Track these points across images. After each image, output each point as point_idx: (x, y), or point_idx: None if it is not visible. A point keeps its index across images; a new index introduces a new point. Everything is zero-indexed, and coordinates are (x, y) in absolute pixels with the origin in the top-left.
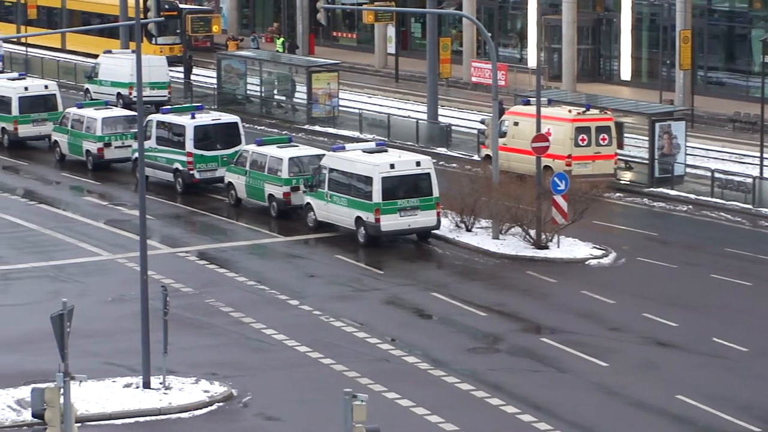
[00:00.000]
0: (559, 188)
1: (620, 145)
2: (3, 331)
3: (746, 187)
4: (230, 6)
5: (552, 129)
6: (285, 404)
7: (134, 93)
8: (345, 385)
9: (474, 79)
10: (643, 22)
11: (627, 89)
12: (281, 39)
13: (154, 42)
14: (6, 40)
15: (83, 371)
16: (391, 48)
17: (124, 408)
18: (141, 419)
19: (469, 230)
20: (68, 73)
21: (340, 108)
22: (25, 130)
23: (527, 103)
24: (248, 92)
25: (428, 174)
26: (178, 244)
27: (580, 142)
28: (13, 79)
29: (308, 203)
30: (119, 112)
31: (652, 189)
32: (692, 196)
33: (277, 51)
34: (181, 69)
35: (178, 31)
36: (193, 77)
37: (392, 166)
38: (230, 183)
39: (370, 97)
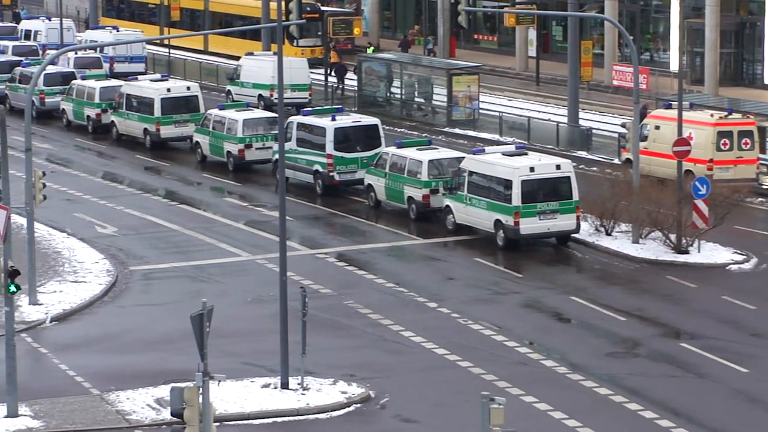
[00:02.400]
0: (700, 192)
1: (762, 150)
2: (144, 330)
3: None
4: (372, 8)
5: (693, 133)
6: (422, 406)
7: (275, 95)
8: (482, 388)
9: (615, 82)
10: None
11: None
12: (371, 48)
13: (295, 44)
14: (149, 42)
15: (222, 371)
16: (532, 51)
17: (262, 408)
18: (279, 420)
19: (608, 234)
20: (210, 75)
21: (481, 111)
22: (167, 131)
23: (669, 107)
24: (389, 95)
25: (568, 177)
26: (318, 245)
27: (722, 147)
28: (156, 81)
29: (447, 206)
30: (260, 113)
31: None
32: None
33: (369, 53)
34: (322, 71)
35: (319, 33)
36: (333, 79)
37: (532, 169)
38: (370, 185)
39: (510, 100)
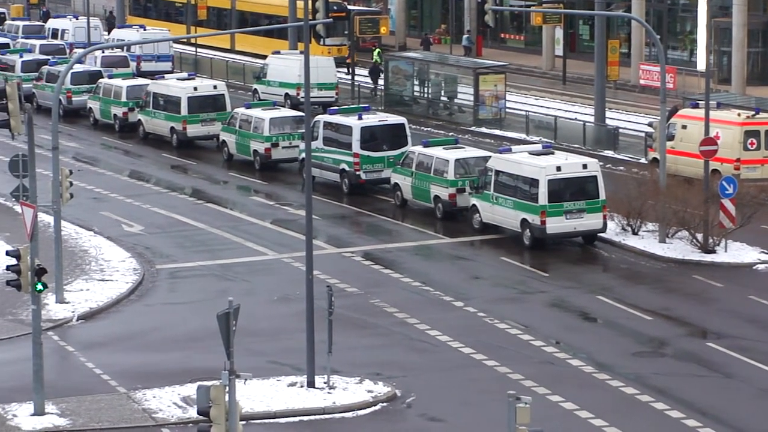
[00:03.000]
0: (727, 192)
1: None
2: (170, 328)
3: None
4: (398, 7)
5: (720, 132)
6: (448, 405)
7: (302, 94)
8: (509, 387)
9: (642, 81)
10: None
11: None
12: (377, 50)
13: (322, 43)
14: (176, 41)
15: (248, 369)
16: (559, 50)
17: (288, 407)
18: (305, 418)
19: (635, 233)
20: (237, 74)
21: (507, 110)
22: (193, 130)
23: (696, 106)
24: (415, 93)
25: (595, 177)
26: (344, 244)
27: (749, 146)
28: (183, 80)
29: (474, 205)
30: (287, 112)
31: None
32: None
33: (376, 62)
34: (348, 70)
35: (346, 32)
36: (359, 78)
37: (559, 168)
38: (396, 184)
39: (537, 99)
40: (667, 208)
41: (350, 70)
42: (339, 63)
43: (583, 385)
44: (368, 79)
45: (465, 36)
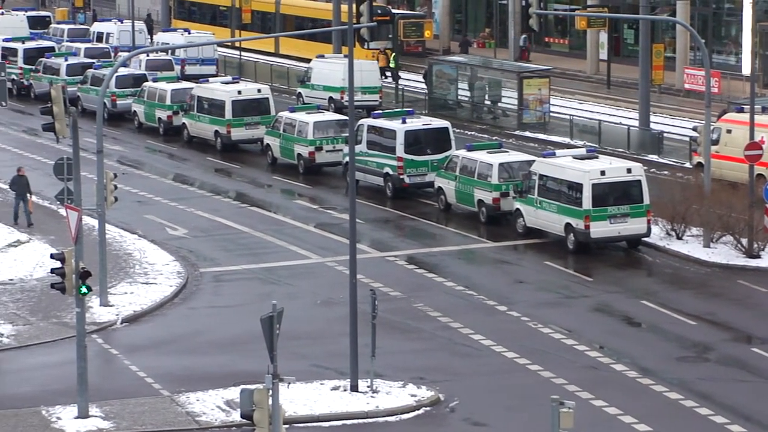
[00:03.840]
0: None
1: None
2: (214, 332)
3: None
4: (443, 11)
5: (766, 137)
6: (492, 410)
7: (346, 97)
8: (552, 391)
9: (687, 85)
10: None
11: None
12: (393, 55)
13: (366, 47)
14: (220, 45)
15: (292, 373)
16: (603, 54)
17: (331, 410)
18: (348, 422)
19: (679, 238)
20: (281, 77)
21: (551, 114)
22: (237, 134)
23: (741, 110)
24: (459, 97)
25: (639, 181)
26: (387, 248)
27: None
28: (227, 83)
29: (517, 209)
30: (331, 116)
31: None
32: None
33: (390, 66)
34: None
35: (390, 36)
36: (403, 82)
37: (603, 172)
38: (440, 188)
39: (581, 103)
40: (712, 212)
41: (391, 74)
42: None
43: (627, 390)
44: (417, 83)
45: (523, 36)
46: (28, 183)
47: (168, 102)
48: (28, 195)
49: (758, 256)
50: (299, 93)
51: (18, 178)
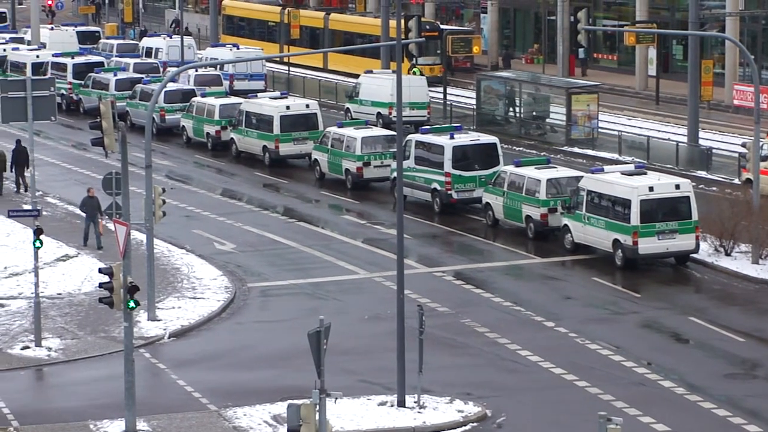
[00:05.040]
0: None
1: None
2: (261, 347)
3: None
4: (491, 27)
5: None
6: (539, 426)
7: (394, 113)
8: (599, 408)
9: (736, 101)
10: None
11: None
12: (416, 69)
13: (414, 62)
14: (269, 60)
15: (339, 388)
16: (652, 70)
17: (378, 426)
18: None
19: (728, 254)
20: (329, 93)
21: (600, 130)
22: (286, 149)
23: None
24: (508, 113)
25: (687, 197)
26: (435, 263)
27: None
28: (275, 98)
29: (565, 225)
30: (379, 131)
31: None
32: None
33: (414, 73)
34: (440, 89)
35: (438, 51)
36: (451, 98)
37: (651, 188)
38: (488, 204)
39: (629, 119)
40: (761, 229)
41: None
42: (433, 82)
43: (675, 407)
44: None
45: (582, 49)
46: (98, 204)
47: (216, 117)
48: (99, 217)
49: None
50: (347, 108)
51: (88, 199)
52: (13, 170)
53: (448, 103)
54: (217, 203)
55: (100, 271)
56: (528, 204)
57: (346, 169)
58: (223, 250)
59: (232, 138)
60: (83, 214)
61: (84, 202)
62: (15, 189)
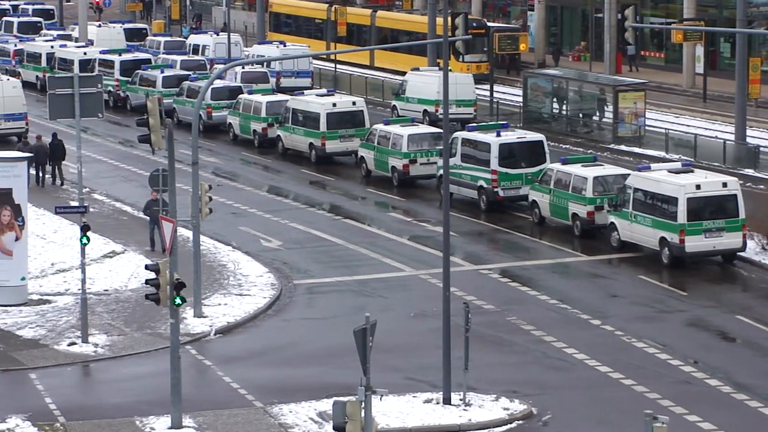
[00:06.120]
0: None
1: None
2: (307, 344)
3: None
4: (538, 24)
5: None
6: (585, 424)
7: (440, 110)
8: (646, 406)
9: None
10: None
11: None
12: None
13: (461, 60)
14: (316, 57)
15: (384, 385)
16: (700, 67)
17: (424, 423)
18: None
19: None
20: (376, 90)
21: (647, 127)
22: (332, 146)
23: None
24: (554, 111)
25: (735, 195)
26: (481, 261)
27: None
28: (322, 96)
29: (612, 223)
30: (425, 129)
31: None
32: None
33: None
34: (487, 87)
35: (485, 49)
36: (497, 95)
37: (698, 186)
38: (534, 201)
39: (676, 117)
40: None
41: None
42: (479, 80)
43: (721, 406)
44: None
45: (630, 46)
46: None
47: (263, 114)
48: None
49: None
50: (394, 106)
51: (152, 202)
52: (50, 163)
53: (494, 100)
54: (263, 200)
55: (147, 267)
56: (574, 202)
57: (393, 167)
58: (270, 247)
59: (278, 135)
60: (146, 218)
61: (147, 205)
62: (51, 181)
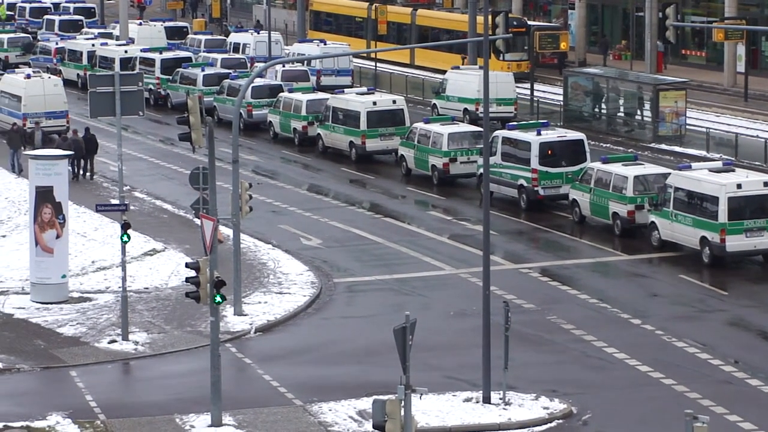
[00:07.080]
0: None
1: None
2: (347, 342)
3: None
4: (578, 23)
5: None
6: (625, 424)
7: (481, 109)
8: (686, 406)
9: None
10: None
11: None
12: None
13: (501, 58)
14: (356, 56)
15: (424, 384)
16: (741, 66)
17: (463, 422)
18: None
19: None
20: (416, 89)
21: (688, 126)
22: (372, 144)
23: None
24: (595, 109)
25: None
26: (521, 260)
27: None
28: (362, 94)
29: (652, 222)
30: (465, 127)
31: None
32: None
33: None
34: (528, 85)
35: (525, 47)
36: (538, 93)
37: (739, 186)
38: (574, 200)
39: (717, 116)
40: None
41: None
42: (520, 78)
43: (763, 406)
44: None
45: (661, 43)
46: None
47: (303, 112)
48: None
49: None
50: (434, 104)
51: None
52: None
53: (535, 99)
54: (303, 199)
55: (187, 265)
56: (615, 201)
57: (433, 165)
58: (309, 245)
59: (318, 133)
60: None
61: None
62: (82, 175)
